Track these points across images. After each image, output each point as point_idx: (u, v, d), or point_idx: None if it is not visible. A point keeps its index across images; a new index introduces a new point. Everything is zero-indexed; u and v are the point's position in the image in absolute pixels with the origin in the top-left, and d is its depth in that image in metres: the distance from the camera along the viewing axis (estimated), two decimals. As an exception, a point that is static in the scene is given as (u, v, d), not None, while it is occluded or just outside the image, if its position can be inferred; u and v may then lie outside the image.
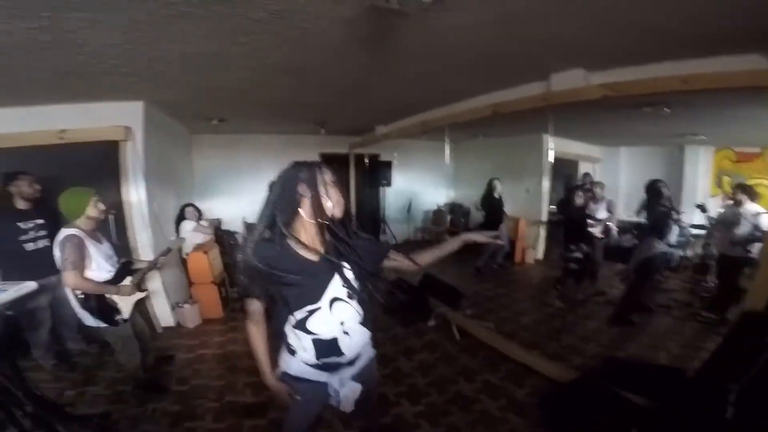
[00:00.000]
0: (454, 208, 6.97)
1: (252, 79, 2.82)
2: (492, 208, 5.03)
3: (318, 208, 1.10)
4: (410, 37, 2.04)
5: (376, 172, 7.04)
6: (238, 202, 5.67)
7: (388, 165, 7.22)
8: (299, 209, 1.11)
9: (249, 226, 2.37)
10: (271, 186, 1.20)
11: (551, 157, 3.59)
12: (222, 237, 4.92)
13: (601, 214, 4.22)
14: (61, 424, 1.90)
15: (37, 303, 2.66)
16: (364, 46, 2.15)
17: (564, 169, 5.57)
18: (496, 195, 5.03)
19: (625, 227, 4.63)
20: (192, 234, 4.03)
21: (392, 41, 2.08)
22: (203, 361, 3.06)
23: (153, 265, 2.78)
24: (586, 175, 5.03)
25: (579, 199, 3.94)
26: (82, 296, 2.18)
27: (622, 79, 2.33)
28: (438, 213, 7.33)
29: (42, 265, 2.48)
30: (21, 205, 2.72)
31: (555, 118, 3.66)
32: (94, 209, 2.23)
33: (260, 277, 1.11)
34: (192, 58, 2.29)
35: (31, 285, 2.25)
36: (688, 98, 2.78)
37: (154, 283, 3.55)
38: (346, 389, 1.20)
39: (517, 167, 5.71)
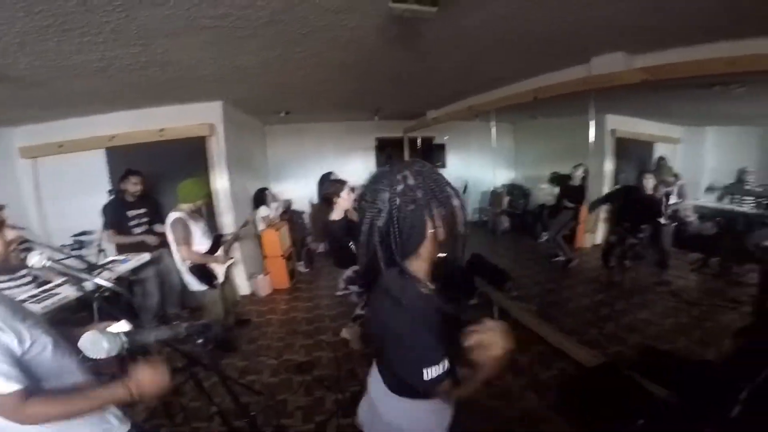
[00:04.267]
0: (513, 189, 6.78)
1: (310, 76, 3.15)
2: (571, 195, 4.87)
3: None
4: (440, 33, 2.19)
5: (430, 155, 7.10)
6: (306, 184, 6.18)
7: (442, 147, 7.25)
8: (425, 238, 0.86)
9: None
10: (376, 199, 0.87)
11: (591, 137, 3.44)
12: (291, 216, 5.54)
13: (670, 198, 3.86)
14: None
15: (147, 273, 3.27)
16: (399, 44, 2.35)
17: (636, 150, 5.06)
18: (574, 183, 4.81)
19: (707, 214, 4.13)
20: (263, 218, 4.64)
21: (424, 38, 2.25)
22: (270, 325, 3.61)
23: (236, 236, 3.36)
24: (661, 158, 4.55)
25: (648, 183, 3.65)
26: (190, 266, 2.74)
27: (666, 62, 2.19)
28: (495, 194, 7.19)
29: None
30: (129, 198, 3.35)
31: (622, 99, 3.43)
32: (201, 202, 2.83)
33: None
34: (260, 64, 2.69)
35: (145, 256, 2.92)
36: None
37: (236, 255, 4.20)
38: None
39: (577, 148, 5.36)
